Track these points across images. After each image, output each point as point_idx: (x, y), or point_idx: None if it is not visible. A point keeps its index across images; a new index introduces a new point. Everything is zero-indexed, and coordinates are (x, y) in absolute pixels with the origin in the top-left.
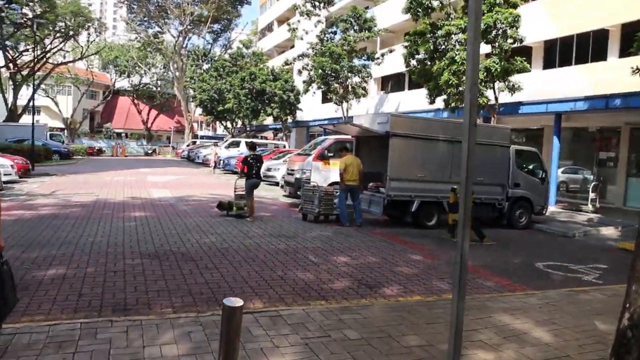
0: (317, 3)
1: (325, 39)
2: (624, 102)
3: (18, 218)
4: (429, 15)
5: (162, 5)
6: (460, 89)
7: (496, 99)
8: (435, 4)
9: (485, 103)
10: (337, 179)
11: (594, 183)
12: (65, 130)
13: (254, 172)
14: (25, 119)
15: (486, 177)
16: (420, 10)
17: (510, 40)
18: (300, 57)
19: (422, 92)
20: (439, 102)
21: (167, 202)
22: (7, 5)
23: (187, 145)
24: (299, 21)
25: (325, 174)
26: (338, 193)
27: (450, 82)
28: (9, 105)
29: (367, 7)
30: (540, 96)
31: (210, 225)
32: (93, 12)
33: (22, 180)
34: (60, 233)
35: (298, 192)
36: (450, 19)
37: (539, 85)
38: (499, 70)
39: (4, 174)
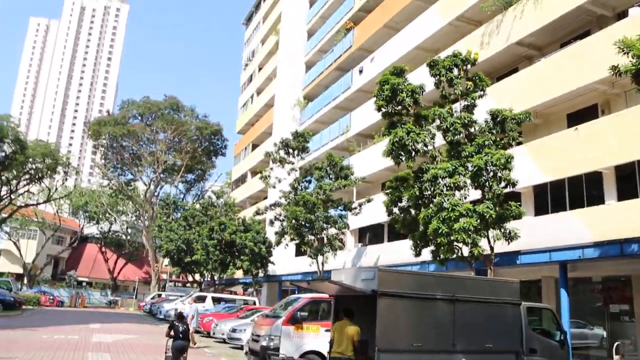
0: (290, 150)
1: (299, 187)
2: None
3: None
4: (412, 159)
5: (136, 153)
6: (452, 237)
7: (491, 248)
8: (419, 146)
9: (479, 253)
10: (313, 347)
11: (617, 343)
12: (25, 277)
13: (180, 334)
14: None
15: (496, 343)
16: (402, 153)
17: (502, 184)
18: (272, 207)
19: (404, 244)
20: (426, 254)
21: None
22: None
23: (152, 299)
24: (271, 169)
25: (298, 342)
26: None
27: (440, 230)
28: None
29: (342, 157)
30: (539, 244)
31: None
32: (70, 156)
33: None
34: None
35: None
36: (436, 162)
37: (535, 233)
38: (493, 216)
39: None
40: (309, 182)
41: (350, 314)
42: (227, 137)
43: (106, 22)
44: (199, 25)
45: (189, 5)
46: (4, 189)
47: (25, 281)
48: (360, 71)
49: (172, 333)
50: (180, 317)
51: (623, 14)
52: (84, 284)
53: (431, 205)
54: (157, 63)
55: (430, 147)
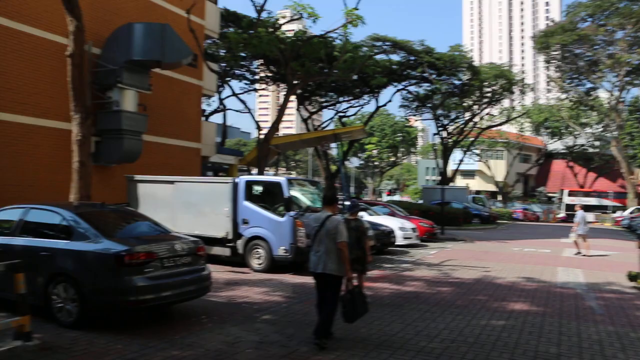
0: None
1: None
2: None
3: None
4: None
5: (592, 59)
6: None
7: None
8: None
9: None
10: None
11: None
12: (498, 194)
13: None
14: (458, 182)
15: None
16: None
17: None
18: None
19: None
20: None
21: (571, 292)
22: (436, 78)
23: (631, 213)
24: None
25: None
26: None
27: None
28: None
29: None
30: None
31: (623, 345)
32: (523, 74)
33: (424, 244)
34: (393, 326)
35: None
36: None
37: None
38: None
39: (404, 237)
40: None
41: None
42: None
43: None
44: None
45: None
46: (467, 114)
47: (499, 198)
48: None
49: None
50: None
51: None
52: (553, 199)
53: None
54: None
55: None
